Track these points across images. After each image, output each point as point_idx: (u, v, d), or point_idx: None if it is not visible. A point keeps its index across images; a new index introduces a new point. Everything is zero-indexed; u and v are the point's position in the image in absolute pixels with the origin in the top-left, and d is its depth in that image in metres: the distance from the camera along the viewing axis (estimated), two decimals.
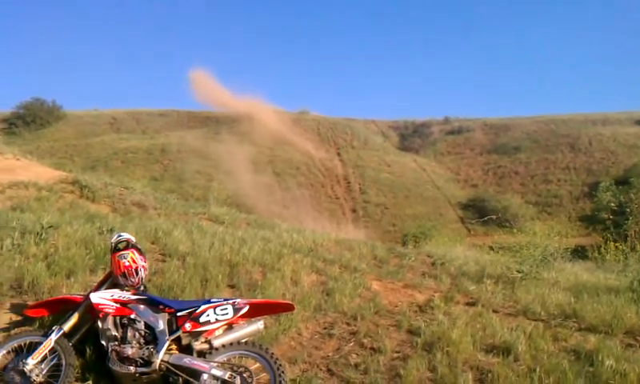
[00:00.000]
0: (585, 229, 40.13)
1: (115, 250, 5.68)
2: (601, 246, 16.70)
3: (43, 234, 7.56)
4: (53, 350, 5.26)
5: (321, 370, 5.81)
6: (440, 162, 55.87)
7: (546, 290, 8.70)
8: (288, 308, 5.83)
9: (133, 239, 5.81)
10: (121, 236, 5.79)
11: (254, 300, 5.70)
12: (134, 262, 5.59)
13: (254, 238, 10.13)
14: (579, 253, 21.11)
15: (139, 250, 5.75)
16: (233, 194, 38.75)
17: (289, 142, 53.09)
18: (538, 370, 5.71)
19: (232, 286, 7.42)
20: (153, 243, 8.39)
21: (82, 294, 5.76)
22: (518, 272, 9.66)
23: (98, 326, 5.35)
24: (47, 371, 5.19)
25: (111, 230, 8.62)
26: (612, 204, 33.07)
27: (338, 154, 52.58)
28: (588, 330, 7.03)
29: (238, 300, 5.51)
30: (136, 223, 9.38)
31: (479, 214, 44.00)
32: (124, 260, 5.56)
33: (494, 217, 42.96)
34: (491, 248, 24.56)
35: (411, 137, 61.53)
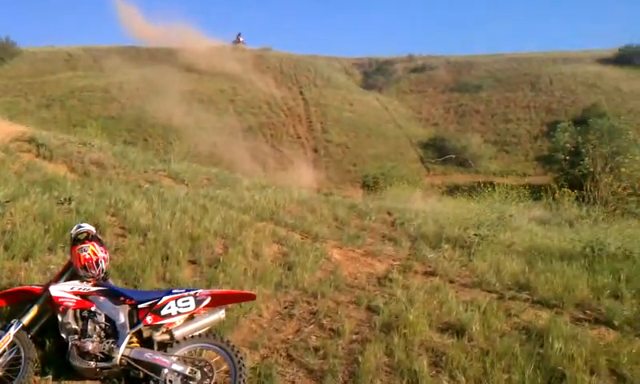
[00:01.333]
0: (542, 168, 40.85)
1: (75, 241, 5.61)
2: (555, 192, 17.01)
3: (0, 210, 7.43)
4: (12, 344, 5.21)
5: (281, 355, 5.91)
6: (402, 101, 55.82)
7: (502, 257, 8.95)
8: (249, 297, 5.88)
9: (93, 230, 5.74)
10: (81, 227, 5.71)
11: (215, 290, 5.73)
12: (94, 254, 5.53)
13: (216, 202, 10.13)
14: (535, 194, 21.72)
15: (99, 241, 5.70)
16: (193, 140, 38.35)
17: (247, 80, 52.33)
18: (490, 352, 5.92)
19: (193, 262, 7.45)
20: (113, 216, 8.33)
21: (41, 285, 5.70)
22: (475, 235, 9.92)
23: (57, 319, 5.33)
24: (6, 365, 5.15)
25: (69, 200, 8.53)
26: (569, 145, 33.51)
27: (301, 93, 52.11)
28: (540, 304, 7.28)
29: (199, 290, 5.53)
30: (95, 192, 9.25)
31: (439, 153, 44.46)
32: (84, 253, 5.51)
33: (452, 156, 43.56)
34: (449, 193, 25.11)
35: (374, 74, 61.18)
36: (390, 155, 43.59)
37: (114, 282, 6.14)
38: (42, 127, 29.91)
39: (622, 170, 16.78)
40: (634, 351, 5.96)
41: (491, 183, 24.98)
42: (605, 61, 58.79)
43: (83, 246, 5.56)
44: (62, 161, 12.25)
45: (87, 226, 5.78)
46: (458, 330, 6.38)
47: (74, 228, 5.75)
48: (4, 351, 5.18)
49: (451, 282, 8.00)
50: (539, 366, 5.70)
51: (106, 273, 5.72)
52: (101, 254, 5.61)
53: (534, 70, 57.10)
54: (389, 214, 11.92)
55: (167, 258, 7.25)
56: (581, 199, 16.28)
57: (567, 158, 32.09)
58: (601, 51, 62.47)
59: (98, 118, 42.93)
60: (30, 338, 5.28)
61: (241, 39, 62.98)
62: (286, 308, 6.81)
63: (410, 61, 64.78)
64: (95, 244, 5.62)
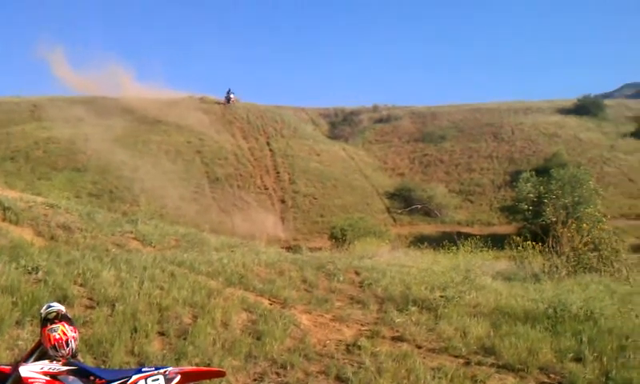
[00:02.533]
0: (506, 218, 41.58)
1: (45, 321, 5.60)
2: (519, 245, 17.31)
3: None
4: None
5: None
6: (368, 151, 56.50)
7: (467, 319, 9.11)
8: (219, 374, 5.92)
9: (62, 309, 5.74)
10: (51, 307, 5.70)
11: (185, 368, 5.76)
12: (64, 334, 5.52)
13: (184, 267, 10.15)
14: (499, 244, 22.10)
15: (69, 321, 5.69)
16: (160, 192, 38.22)
17: (214, 131, 52.49)
18: None
19: (162, 333, 7.44)
20: (81, 286, 8.30)
21: (9, 364, 5.66)
22: (441, 297, 10.11)
23: None
24: None
25: (37, 270, 8.48)
26: (531, 195, 34.24)
27: (268, 144, 52.41)
28: (505, 368, 7.44)
29: (169, 368, 5.55)
30: (63, 261, 9.19)
31: (405, 203, 44.96)
32: (54, 333, 5.49)
33: (418, 206, 44.11)
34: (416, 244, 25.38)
35: (341, 125, 61.85)
36: (357, 205, 43.91)
37: (83, 358, 6.14)
38: (6, 180, 29.64)
39: (584, 225, 17.20)
40: None
41: (458, 234, 25.42)
42: (564, 111, 60.59)
43: (53, 326, 5.54)
44: (29, 224, 12.16)
45: (57, 306, 5.78)
46: None
47: (44, 308, 5.74)
48: None
49: (419, 347, 8.13)
50: None
51: (75, 351, 5.70)
52: (70, 333, 5.60)
53: (496, 120, 58.48)
54: (356, 273, 12.03)
55: (136, 331, 7.24)
56: (545, 252, 16.59)
57: (530, 208, 32.75)
58: (560, 101, 64.39)
59: (63, 170, 42.61)
60: None
61: (232, 96, 59.69)
62: (255, 380, 6.84)
63: (375, 111, 65.75)
64: (65, 323, 5.61)
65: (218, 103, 59.01)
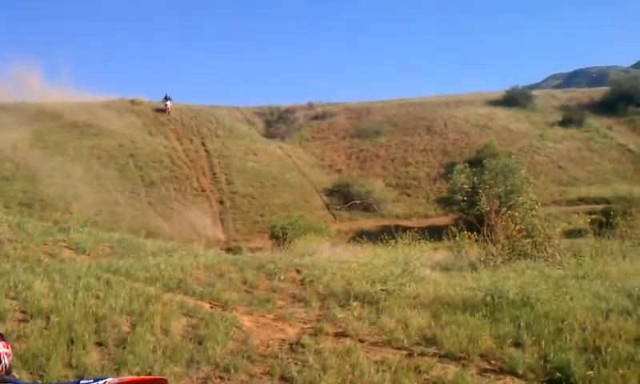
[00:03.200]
0: (442, 209, 42.35)
1: None
2: (456, 236, 17.63)
3: None
4: None
5: None
6: (305, 148, 56.55)
7: (408, 311, 9.21)
8: (160, 382, 5.76)
9: None
10: None
11: (125, 378, 5.57)
12: None
13: (120, 275, 9.90)
14: (437, 235, 22.50)
15: (1, 336, 5.44)
16: (94, 198, 37.26)
17: (147, 133, 51.49)
18: None
19: (100, 344, 7.23)
20: (13, 299, 7.97)
21: None
22: (382, 290, 10.20)
23: None
24: None
25: None
26: (466, 186, 35.00)
27: (203, 144, 51.74)
28: (447, 357, 7.55)
29: (109, 379, 5.36)
30: None
31: (344, 199, 45.22)
32: None
33: (357, 202, 44.46)
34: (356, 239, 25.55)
35: (276, 123, 61.60)
36: (297, 203, 43.92)
37: (19, 374, 5.88)
38: None
39: (516, 213, 17.65)
40: None
41: (396, 227, 25.70)
42: (494, 102, 62.19)
43: None
44: None
45: None
46: None
47: None
48: None
49: (361, 341, 8.16)
50: None
51: (9, 367, 5.46)
52: (2, 349, 5.35)
53: (429, 113, 59.52)
54: (297, 271, 12.01)
55: (72, 342, 7.01)
56: (480, 241, 16.93)
57: (465, 199, 33.44)
58: (490, 93, 66.08)
59: None
60: None
61: (168, 103, 55.96)
62: None
63: (310, 108, 65.80)
64: None
65: (158, 110, 56.56)
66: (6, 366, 5.34)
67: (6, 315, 7.40)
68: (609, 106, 58.25)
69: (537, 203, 24.69)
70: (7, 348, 5.41)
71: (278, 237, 28.63)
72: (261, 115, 64.45)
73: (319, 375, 6.75)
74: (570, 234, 20.45)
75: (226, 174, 47.41)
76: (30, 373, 6.34)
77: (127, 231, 21.80)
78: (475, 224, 20.40)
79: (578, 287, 10.50)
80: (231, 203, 43.73)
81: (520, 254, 15.72)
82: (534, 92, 67.56)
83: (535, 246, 16.23)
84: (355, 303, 9.68)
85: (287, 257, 15.00)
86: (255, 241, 36.14)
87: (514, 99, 61.55)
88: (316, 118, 63.27)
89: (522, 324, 8.37)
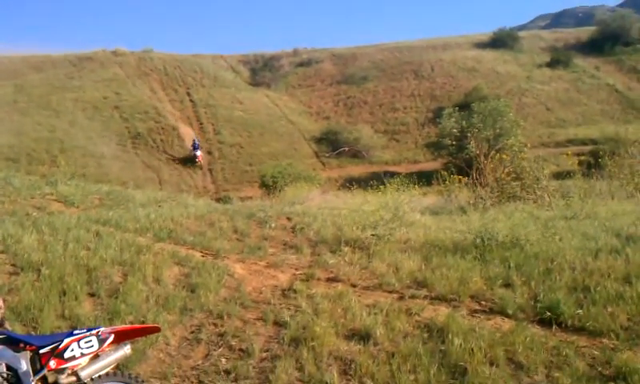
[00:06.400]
0: (431, 154, 42.37)
1: None
2: (446, 180, 17.66)
3: None
4: None
5: (192, 382, 5.89)
6: (292, 96, 56.10)
7: (399, 255, 9.25)
8: (154, 330, 5.80)
9: None
10: None
11: (118, 327, 5.60)
12: None
13: (109, 226, 9.86)
14: (426, 180, 22.53)
15: None
16: (80, 152, 36.94)
17: (131, 84, 50.81)
18: (395, 354, 6.15)
19: (92, 295, 7.23)
20: (2, 253, 7.93)
21: None
22: (373, 236, 10.23)
23: None
24: None
25: None
26: (455, 130, 34.90)
27: (188, 94, 51.19)
28: (438, 299, 7.61)
29: (102, 329, 5.39)
30: None
31: (332, 146, 45.14)
32: None
33: (346, 149, 44.38)
34: (346, 186, 25.59)
35: (262, 71, 60.90)
36: (285, 152, 43.80)
37: (12, 327, 5.89)
38: None
39: (504, 156, 17.68)
40: (527, 339, 6.35)
41: (385, 173, 25.69)
42: (481, 45, 61.72)
43: None
44: None
45: None
46: (363, 336, 6.58)
47: None
48: None
49: (353, 286, 8.20)
50: (442, 363, 5.99)
51: (2, 319, 5.46)
52: None
53: (416, 58, 59.04)
54: (288, 219, 12.00)
55: (64, 294, 7.00)
56: (470, 185, 16.98)
57: (454, 143, 33.37)
58: (477, 35, 65.53)
59: None
60: None
61: (198, 154, 41.99)
62: (192, 333, 6.76)
63: (296, 55, 65.09)
64: None
65: (187, 160, 42.56)
66: None
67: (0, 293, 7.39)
68: (596, 46, 57.98)
69: (525, 146, 24.69)
70: (0, 301, 5.41)
71: (268, 186, 28.62)
72: (246, 63, 63.66)
73: (312, 319, 6.79)
74: (559, 175, 20.48)
75: (212, 124, 47.08)
76: (24, 325, 6.35)
77: (116, 184, 21.69)
78: (464, 168, 20.47)
79: (567, 228, 10.55)
80: (219, 153, 43.54)
81: (509, 197, 15.79)
82: (521, 33, 67.07)
83: (524, 188, 16.29)
84: (346, 249, 9.71)
85: (278, 205, 15.01)
86: (245, 190, 36.13)
87: (501, 41, 61.15)
88: (302, 64, 62.64)
89: (511, 265, 8.42)
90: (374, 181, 18.04)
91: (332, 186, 31.41)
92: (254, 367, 6.09)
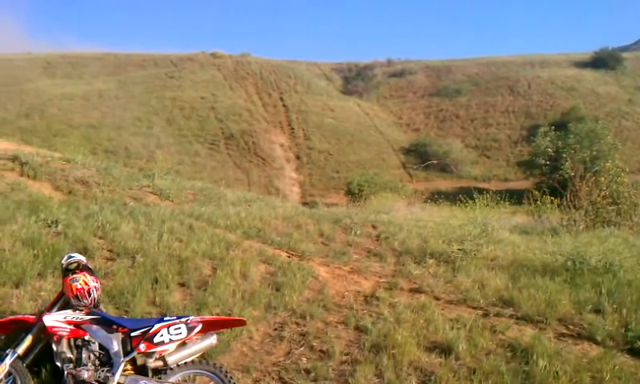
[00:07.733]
0: (523, 173, 41.33)
1: (66, 271, 5.68)
2: (537, 200, 17.18)
3: None
4: (8, 374, 5.27)
5: (272, 378, 6.02)
6: (383, 106, 56.15)
7: (485, 272, 9.10)
8: (240, 323, 5.99)
9: (83, 260, 5.82)
10: (71, 257, 5.78)
11: (206, 317, 5.82)
12: (85, 284, 5.60)
13: (202, 221, 10.21)
14: (516, 199, 21.96)
15: (90, 271, 5.77)
16: (176, 149, 38.34)
17: (227, 87, 52.29)
18: (477, 371, 6.07)
19: (182, 285, 7.51)
20: (101, 238, 8.36)
21: (33, 314, 5.76)
22: (459, 250, 10.09)
23: (52, 347, 5.38)
24: None
25: (56, 223, 8.56)
26: (549, 149, 33.93)
27: (281, 99, 52.18)
28: (524, 320, 7.43)
29: (191, 317, 5.62)
30: (82, 214, 9.28)
31: (421, 158, 44.85)
32: (76, 283, 5.57)
33: (434, 162, 43.94)
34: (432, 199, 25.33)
35: (354, 80, 61.34)
36: (373, 161, 43.85)
37: (106, 309, 6.23)
38: (22, 137, 29.77)
39: (602, 178, 17.04)
40: (616, 367, 6.13)
41: (474, 189, 25.27)
42: (582, 64, 59.67)
43: (75, 276, 5.62)
44: (46, 179, 12.24)
45: (78, 256, 5.85)
46: (445, 349, 6.52)
47: (65, 258, 5.81)
48: (0, 381, 5.24)
49: (437, 298, 8.14)
50: None
51: (97, 301, 5.78)
52: (92, 283, 5.68)
53: (512, 74, 57.80)
54: (373, 227, 12.02)
55: (156, 282, 7.30)
56: (563, 206, 16.46)
57: (548, 162, 32.43)
58: (577, 54, 63.41)
59: (78, 126, 42.73)
60: (26, 367, 5.33)
61: None
62: (275, 330, 6.91)
63: (389, 65, 65.12)
64: (86, 274, 5.68)
65: None
66: (94, 299, 5.68)
67: (94, 253, 7.77)
68: None
69: (623, 170, 23.66)
70: (96, 282, 5.74)
71: (354, 193, 28.75)
72: (339, 71, 64.27)
73: (394, 328, 6.80)
74: None
75: (303, 130, 47.75)
76: (117, 308, 6.67)
77: (207, 181, 22.38)
78: (558, 189, 19.85)
79: None
80: (308, 159, 44.11)
81: (604, 221, 15.20)
82: (625, 54, 64.25)
83: (620, 214, 15.65)
84: (431, 261, 9.63)
85: (363, 213, 15.06)
86: (330, 197, 36.42)
87: (602, 61, 58.86)
88: (394, 75, 62.56)
89: (603, 291, 8.12)
90: (461, 196, 17.81)
91: (418, 199, 31.10)
92: (333, 369, 6.16)
